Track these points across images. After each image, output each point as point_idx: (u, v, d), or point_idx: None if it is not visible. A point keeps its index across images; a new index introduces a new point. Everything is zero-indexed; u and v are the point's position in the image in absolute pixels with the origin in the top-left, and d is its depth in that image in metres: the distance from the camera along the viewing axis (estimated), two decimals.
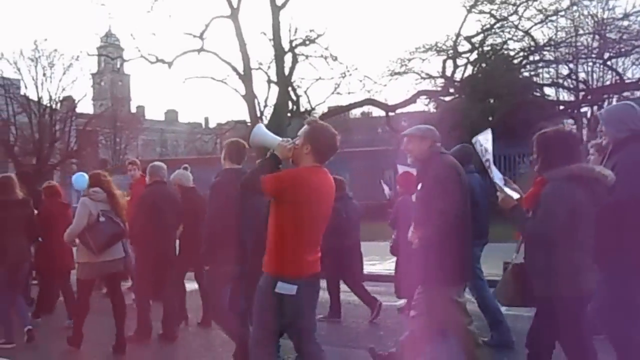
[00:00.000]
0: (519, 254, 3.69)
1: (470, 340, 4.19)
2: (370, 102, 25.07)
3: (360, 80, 24.87)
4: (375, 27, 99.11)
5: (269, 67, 24.28)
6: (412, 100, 23.83)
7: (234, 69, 23.77)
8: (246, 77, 23.64)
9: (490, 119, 20.32)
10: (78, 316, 5.96)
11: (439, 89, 24.10)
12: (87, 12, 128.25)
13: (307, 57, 24.51)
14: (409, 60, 24.14)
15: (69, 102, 34.90)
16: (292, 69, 23.88)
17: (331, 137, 3.60)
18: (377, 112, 31.10)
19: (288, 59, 23.80)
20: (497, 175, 3.64)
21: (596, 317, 3.76)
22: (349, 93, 25.67)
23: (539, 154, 3.54)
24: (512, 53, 22.96)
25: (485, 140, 3.93)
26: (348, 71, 24.61)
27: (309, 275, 3.50)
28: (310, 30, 24.18)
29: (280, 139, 3.69)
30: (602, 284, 3.53)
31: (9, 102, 31.64)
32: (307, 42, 24.18)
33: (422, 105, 25.89)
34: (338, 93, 25.67)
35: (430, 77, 24.42)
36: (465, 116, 20.09)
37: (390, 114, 24.37)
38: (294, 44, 23.87)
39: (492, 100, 21.46)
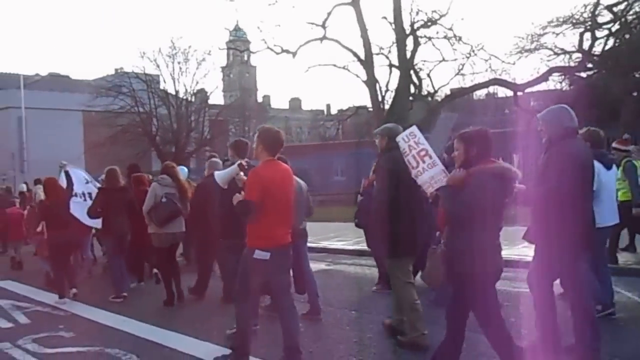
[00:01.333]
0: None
1: None
2: (496, 82, 24.23)
3: (486, 60, 24.02)
4: (502, 2, 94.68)
5: (389, 52, 24.25)
6: (544, 78, 22.63)
7: (356, 55, 24.04)
8: (367, 63, 23.82)
9: (635, 94, 18.87)
10: (164, 278, 7.48)
11: (575, 64, 22.71)
12: (217, 9, 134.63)
13: (429, 39, 24.19)
14: (540, 35, 22.99)
15: (202, 95, 37.25)
16: (413, 52, 23.69)
17: (275, 133, 4.67)
18: (503, 92, 30.00)
19: (409, 42, 23.64)
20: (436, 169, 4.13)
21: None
22: (473, 74, 24.99)
23: (463, 151, 4.03)
24: None
25: (411, 136, 4.44)
26: (473, 51, 23.89)
27: (279, 245, 4.52)
28: (433, 11, 23.72)
29: (232, 168, 5.05)
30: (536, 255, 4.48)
31: (150, 96, 34.28)
32: (429, 24, 23.83)
33: (553, 83, 24.64)
34: (462, 74, 25.09)
35: (564, 52, 23.04)
36: (605, 93, 18.79)
37: (519, 93, 23.36)
38: (415, 27, 23.64)
39: (637, 75, 19.82)
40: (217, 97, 67.70)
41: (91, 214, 8.04)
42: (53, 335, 6.15)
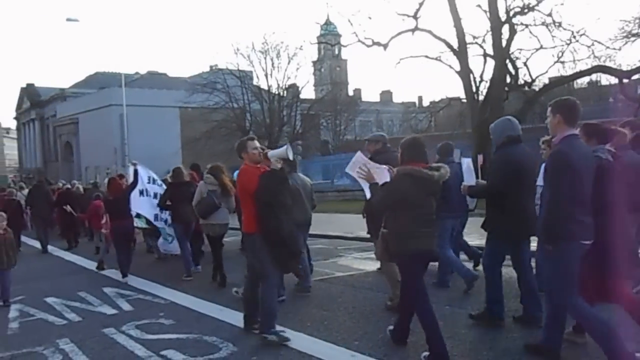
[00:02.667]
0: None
1: None
2: (600, 69, 22.86)
3: (589, 47, 22.70)
4: None
5: (484, 41, 23.51)
6: None
7: (449, 45, 23.47)
8: (461, 53, 23.19)
9: None
10: (216, 260, 8.63)
11: None
12: (309, 4, 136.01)
13: (526, 26, 23.18)
14: None
15: (293, 89, 37.77)
16: (509, 40, 22.79)
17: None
18: (606, 80, 28.24)
19: (505, 30, 22.77)
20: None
21: None
22: (574, 61, 23.73)
23: (399, 155, 4.97)
24: None
25: (357, 164, 5.21)
26: (574, 37, 22.66)
27: None
28: None
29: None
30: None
31: (244, 92, 35.21)
32: (526, 10, 22.84)
33: None
34: (562, 62, 23.90)
35: None
36: None
37: (625, 81, 21.92)
38: (511, 14, 22.74)
39: None
40: (308, 92, 68.47)
41: (161, 205, 9.58)
42: (154, 322, 6.44)
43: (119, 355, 5.35)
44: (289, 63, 36.14)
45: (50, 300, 7.95)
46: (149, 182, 10.05)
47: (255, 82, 36.77)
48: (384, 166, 5.19)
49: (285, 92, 37.19)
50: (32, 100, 64.62)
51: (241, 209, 6.19)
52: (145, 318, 6.62)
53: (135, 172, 9.69)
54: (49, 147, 61.76)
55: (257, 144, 5.90)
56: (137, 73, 54.34)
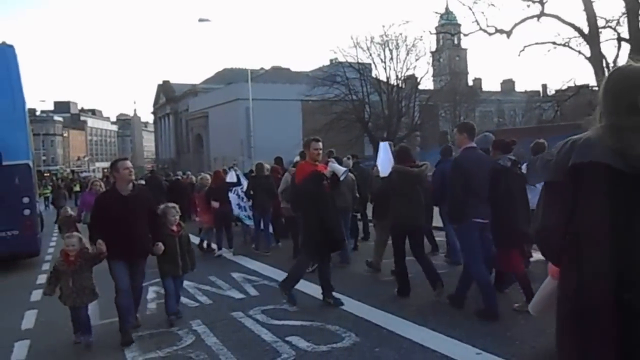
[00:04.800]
0: None
1: None
2: None
3: None
4: None
5: (618, 24, 21.90)
6: None
7: (578, 30, 22.14)
8: (592, 38, 21.77)
9: None
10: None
11: None
12: None
13: None
14: None
15: (412, 80, 37.40)
16: None
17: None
18: None
19: None
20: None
21: None
22: None
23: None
24: None
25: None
26: None
27: None
28: None
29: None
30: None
31: (363, 84, 35.41)
32: None
33: None
34: None
35: None
36: None
37: None
38: None
39: None
40: (427, 82, 67.36)
41: (247, 195, 11.26)
42: (278, 308, 6.75)
43: (246, 338, 5.67)
44: (407, 54, 35.90)
45: (184, 283, 8.51)
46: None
47: (374, 74, 36.87)
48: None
49: (403, 83, 36.93)
50: (168, 96, 69.37)
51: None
52: (270, 303, 6.94)
53: (238, 176, 11.87)
54: (181, 140, 66.03)
55: (320, 145, 6.93)
56: (262, 68, 56.39)
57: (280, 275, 8.69)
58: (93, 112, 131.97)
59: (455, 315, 6.02)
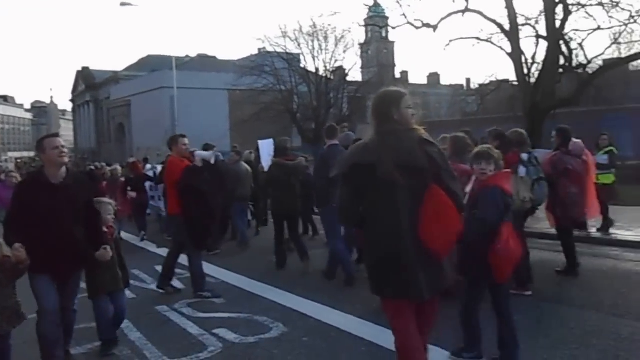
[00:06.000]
0: None
1: None
2: None
3: None
4: None
5: (537, 22, 22.82)
6: None
7: (500, 27, 22.87)
8: (513, 34, 22.57)
9: None
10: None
11: None
12: None
13: (582, 6, 22.37)
14: None
15: (340, 72, 37.60)
16: (564, 20, 22.02)
17: None
18: None
19: (559, 10, 22.03)
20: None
21: None
22: (631, 42, 22.89)
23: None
24: None
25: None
26: (632, 17, 21.79)
27: None
28: None
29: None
30: None
31: (291, 75, 35.30)
32: None
33: None
34: (618, 43, 23.03)
35: None
36: None
37: None
38: None
39: None
40: (355, 74, 68.01)
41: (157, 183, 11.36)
42: (205, 301, 6.64)
43: (172, 332, 5.54)
44: (336, 45, 36.00)
45: None
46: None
47: (302, 64, 36.79)
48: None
49: (332, 74, 37.09)
50: (87, 83, 66.64)
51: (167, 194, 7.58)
52: (198, 297, 6.81)
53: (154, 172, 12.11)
54: (102, 129, 63.68)
55: (186, 140, 7.14)
56: (187, 56, 55.15)
57: (206, 267, 8.55)
58: (5, 99, 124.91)
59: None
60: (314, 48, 35.86)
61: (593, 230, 9.64)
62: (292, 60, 35.51)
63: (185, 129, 33.67)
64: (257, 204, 12.25)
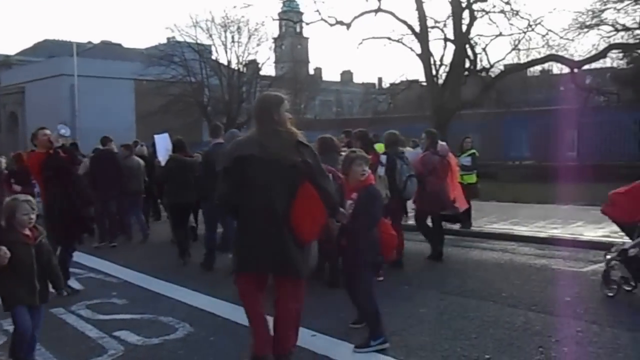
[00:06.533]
0: None
1: None
2: (553, 58, 23.37)
3: (543, 36, 23.18)
4: None
5: (445, 25, 23.66)
6: (602, 54, 21.78)
7: (410, 28, 23.54)
8: (422, 36, 23.31)
9: None
10: None
11: (636, 41, 21.74)
12: None
13: (486, 12, 23.43)
14: (602, 11, 22.05)
15: (253, 66, 37.23)
16: (469, 25, 23.01)
17: None
18: (558, 69, 28.98)
19: (466, 15, 22.98)
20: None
21: None
22: (529, 49, 24.26)
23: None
24: None
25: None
26: (530, 26, 23.11)
27: None
28: None
29: None
30: None
31: (202, 66, 34.55)
32: None
33: (610, 60, 23.71)
34: (517, 49, 24.34)
35: (625, 28, 22.10)
36: None
37: (575, 70, 22.54)
38: (471, 0, 22.98)
39: None
40: (268, 69, 67.63)
41: None
42: (106, 302, 6.34)
43: (68, 337, 5.22)
44: (249, 39, 35.60)
45: None
46: None
47: (214, 56, 36.13)
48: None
49: (245, 68, 36.67)
50: None
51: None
52: (97, 298, 6.50)
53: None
54: None
55: (47, 131, 6.80)
56: (89, 42, 52.51)
57: (108, 266, 8.26)
58: None
59: None
60: (226, 40, 35.31)
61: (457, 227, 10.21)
62: (203, 51, 34.77)
63: (87, 119, 32.51)
64: (149, 198, 12.12)
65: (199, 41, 34.62)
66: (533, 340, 4.71)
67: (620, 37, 22.20)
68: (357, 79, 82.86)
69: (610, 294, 5.92)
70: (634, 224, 5.82)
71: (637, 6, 21.02)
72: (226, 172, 4.02)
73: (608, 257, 6.03)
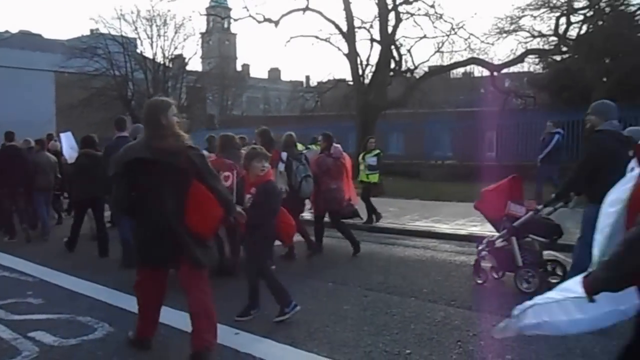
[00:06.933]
0: None
1: None
2: (475, 61, 24.32)
3: (465, 39, 24.07)
4: None
5: (371, 26, 24.11)
6: (520, 59, 22.86)
7: (338, 28, 23.83)
8: (349, 36, 23.64)
9: (604, 80, 19.21)
10: None
11: (550, 47, 22.95)
12: None
13: (411, 15, 24.06)
14: (519, 17, 23.11)
15: (180, 60, 36.58)
16: (395, 27, 23.56)
17: None
18: (479, 72, 30.15)
19: (391, 17, 23.51)
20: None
21: None
22: (452, 52, 25.10)
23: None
24: (633, 9, 21.12)
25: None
26: (453, 29, 23.93)
27: None
28: None
29: None
30: None
31: (127, 60, 33.57)
32: (411, 0, 23.71)
33: (528, 65, 24.91)
34: (441, 52, 25.13)
35: (541, 35, 23.27)
36: (578, 77, 19.13)
37: (495, 73, 23.55)
38: (397, 2, 23.49)
39: (607, 60, 20.19)
40: (195, 64, 66.52)
41: None
42: (21, 301, 6.07)
43: None
44: (176, 33, 35.01)
45: None
46: None
47: (139, 50, 35.19)
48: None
49: (171, 62, 35.95)
50: None
51: None
52: (11, 297, 6.20)
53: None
54: None
55: None
56: (7, 32, 49.86)
57: (23, 264, 7.93)
58: None
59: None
60: (152, 33, 34.57)
61: (361, 222, 10.63)
62: (127, 44, 33.80)
63: (3, 112, 30.76)
64: (60, 195, 11.97)
65: (124, 34, 33.66)
66: (452, 335, 4.89)
67: (536, 43, 23.36)
68: (285, 76, 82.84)
69: (479, 282, 6.62)
70: (500, 218, 6.45)
71: (552, 14, 22.18)
72: (118, 177, 4.20)
73: (479, 248, 6.68)
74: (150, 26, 34.43)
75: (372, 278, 6.99)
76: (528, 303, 2.72)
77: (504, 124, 20.67)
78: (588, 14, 21.38)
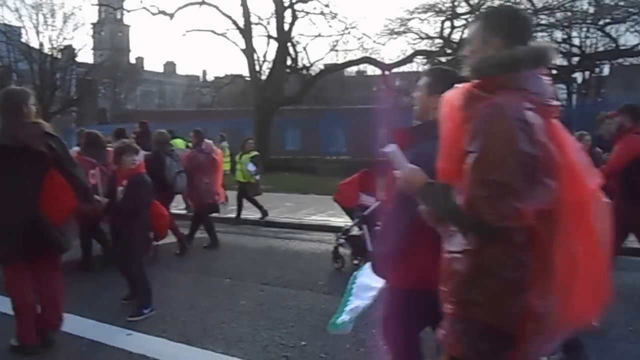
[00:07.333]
0: None
1: None
2: (367, 60, 25.14)
3: (359, 39, 24.90)
4: None
5: (268, 23, 24.27)
6: (409, 59, 23.95)
7: (235, 23, 23.76)
8: (246, 32, 23.63)
9: None
10: None
11: (436, 49, 24.20)
12: None
13: (307, 13, 24.46)
14: (408, 20, 24.19)
15: (69, 51, 34.78)
16: (291, 25, 23.84)
17: None
18: (372, 70, 31.17)
19: (288, 14, 23.76)
20: None
21: None
22: (346, 50, 25.81)
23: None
24: None
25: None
26: (347, 29, 24.63)
27: None
28: None
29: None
30: None
31: (10, 49, 31.53)
32: None
33: (417, 65, 26.09)
34: (335, 50, 25.81)
35: (428, 37, 24.51)
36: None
37: (386, 72, 24.50)
38: (293, 0, 23.79)
39: None
40: (86, 56, 63.46)
41: None
42: None
43: None
44: (64, 22, 33.27)
45: None
46: None
47: (24, 39, 33.12)
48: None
49: (59, 53, 34.12)
50: None
51: None
52: None
53: None
54: None
55: None
56: None
57: None
58: None
59: (105, 300, 5.87)
60: (38, 22, 32.63)
61: (231, 215, 11.10)
62: (11, 33, 31.70)
63: None
64: None
65: (6, 22, 31.62)
66: None
67: (424, 45, 24.57)
68: (181, 70, 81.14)
69: (337, 266, 7.20)
70: (354, 208, 7.15)
71: (438, 18, 23.45)
72: None
73: (338, 235, 7.32)
74: (37, 14, 32.56)
75: (269, 273, 7.06)
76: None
77: (395, 121, 21.45)
78: (470, 19, 22.77)
